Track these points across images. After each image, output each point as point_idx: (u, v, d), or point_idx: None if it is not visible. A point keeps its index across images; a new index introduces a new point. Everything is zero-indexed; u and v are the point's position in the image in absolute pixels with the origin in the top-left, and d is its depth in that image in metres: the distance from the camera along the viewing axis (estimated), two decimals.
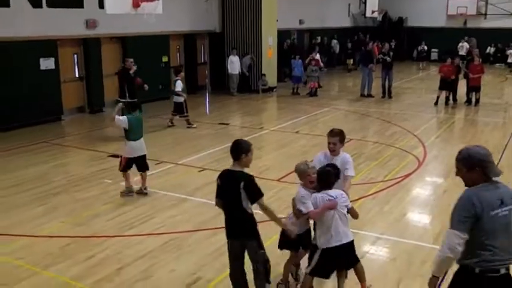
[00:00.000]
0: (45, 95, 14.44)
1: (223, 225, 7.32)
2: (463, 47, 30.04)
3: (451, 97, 17.84)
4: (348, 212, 5.19)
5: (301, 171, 5.31)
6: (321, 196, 5.09)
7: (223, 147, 11.95)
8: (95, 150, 11.71)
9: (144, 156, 8.82)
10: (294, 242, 5.36)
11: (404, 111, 16.85)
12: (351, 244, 5.17)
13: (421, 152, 11.47)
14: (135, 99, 12.39)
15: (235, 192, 4.86)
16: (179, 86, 13.74)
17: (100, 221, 7.76)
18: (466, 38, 31.09)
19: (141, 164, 8.79)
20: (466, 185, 3.92)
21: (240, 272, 5.18)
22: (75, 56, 15.92)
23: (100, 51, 16.37)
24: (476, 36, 31.20)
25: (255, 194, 4.88)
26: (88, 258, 6.48)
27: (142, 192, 8.77)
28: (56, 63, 14.87)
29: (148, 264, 6.33)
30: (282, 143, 12.58)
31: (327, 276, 5.33)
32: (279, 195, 8.54)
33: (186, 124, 14.07)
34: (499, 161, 10.92)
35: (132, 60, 12.73)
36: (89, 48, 15.99)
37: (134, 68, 12.79)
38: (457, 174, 3.96)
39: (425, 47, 33.25)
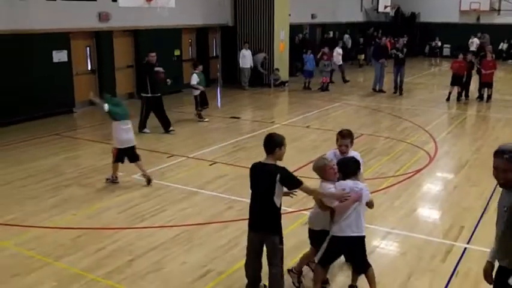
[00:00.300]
0: (58, 87, 14.54)
1: (234, 219, 7.42)
2: (473, 42, 29.84)
3: (463, 93, 17.72)
4: (366, 204, 5.20)
5: (322, 166, 5.28)
6: (352, 185, 5.06)
7: (234, 141, 12.02)
8: (107, 143, 11.72)
9: (133, 147, 8.94)
10: (320, 237, 5.33)
11: (416, 106, 16.76)
12: (361, 239, 5.15)
13: (432, 148, 11.42)
14: (158, 94, 12.51)
15: (269, 185, 4.91)
16: (194, 79, 13.72)
17: (111, 213, 7.82)
18: (479, 34, 30.85)
19: (131, 154, 8.92)
20: (503, 186, 3.82)
21: (258, 263, 5.26)
22: (88, 48, 15.99)
23: (112, 44, 16.43)
24: (489, 32, 30.90)
25: (295, 184, 4.95)
26: (99, 250, 6.53)
27: (148, 180, 8.88)
28: (69, 55, 14.95)
29: (160, 256, 6.37)
30: (292, 138, 12.53)
31: (327, 265, 5.30)
32: None
33: (198, 118, 14.11)
34: None
35: (154, 54, 12.67)
36: (102, 41, 16.05)
37: (162, 71, 12.61)
38: (502, 175, 3.79)
39: (439, 43, 33.05)
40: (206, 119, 14.12)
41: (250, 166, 5.14)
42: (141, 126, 12.61)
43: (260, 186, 5.03)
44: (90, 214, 7.73)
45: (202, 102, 14.01)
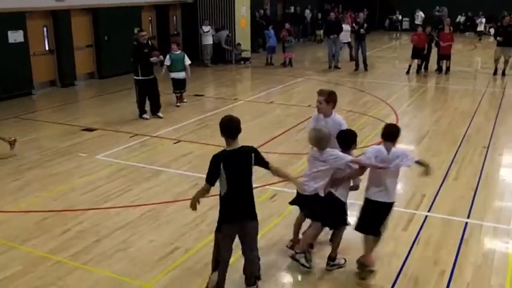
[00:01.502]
0: (14, 69, 14.10)
1: None
2: (418, 16, 30.28)
3: (422, 66, 18.04)
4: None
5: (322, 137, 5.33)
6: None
7: (197, 119, 11.98)
8: (68, 124, 11.59)
9: None
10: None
11: (377, 80, 16.99)
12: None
13: (393, 120, 11.61)
14: (150, 77, 11.74)
15: (249, 168, 4.77)
16: (166, 60, 12.84)
17: (76, 194, 7.74)
18: (437, 7, 31.34)
19: None
20: None
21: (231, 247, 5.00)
22: (45, 28, 15.55)
23: (70, 23, 16.00)
24: (447, 5, 31.43)
25: (265, 163, 4.86)
26: (65, 232, 6.48)
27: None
28: (25, 36, 14.50)
29: (127, 235, 6.36)
30: (257, 114, 12.60)
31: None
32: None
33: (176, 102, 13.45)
34: (469, 126, 11.17)
35: (144, 33, 11.92)
36: (59, 20, 15.62)
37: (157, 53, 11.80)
38: None
39: (400, 17, 33.41)
40: (178, 104, 13.32)
41: (214, 154, 4.84)
42: (141, 111, 11.98)
43: (241, 172, 4.76)
44: (54, 196, 7.64)
45: (175, 86, 13.24)
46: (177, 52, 13.01)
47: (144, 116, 12.01)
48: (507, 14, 21.06)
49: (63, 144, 10.10)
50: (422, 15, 29.99)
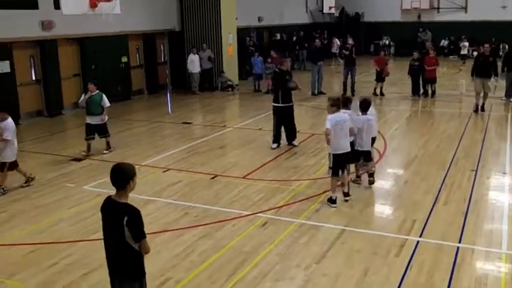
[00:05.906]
0: (1, 99, 14.01)
1: (190, 225, 7.39)
2: (334, 44, 29.91)
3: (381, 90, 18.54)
4: None
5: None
6: None
7: (186, 147, 11.93)
8: (55, 154, 11.49)
9: None
10: None
11: None
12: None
13: (381, 144, 11.67)
14: (289, 104, 11.67)
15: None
16: (81, 101, 11.57)
17: (63, 226, 7.62)
18: (420, 29, 31.89)
19: None
20: None
21: None
22: (32, 58, 15.55)
23: (57, 53, 16.02)
24: (431, 30, 31.99)
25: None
26: (53, 265, 6.36)
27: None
28: (12, 66, 14.49)
29: None
30: (245, 140, 12.58)
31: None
32: (245, 193, 8.57)
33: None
34: (457, 149, 11.23)
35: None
36: (46, 50, 15.63)
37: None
38: None
39: (387, 42, 33.80)
40: (83, 153, 11.44)
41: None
42: (275, 140, 11.64)
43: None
44: (41, 229, 7.52)
45: (87, 131, 11.45)
46: (94, 93, 11.35)
47: (273, 146, 11.58)
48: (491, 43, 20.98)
49: (50, 175, 9.99)
50: (338, 43, 30.08)
